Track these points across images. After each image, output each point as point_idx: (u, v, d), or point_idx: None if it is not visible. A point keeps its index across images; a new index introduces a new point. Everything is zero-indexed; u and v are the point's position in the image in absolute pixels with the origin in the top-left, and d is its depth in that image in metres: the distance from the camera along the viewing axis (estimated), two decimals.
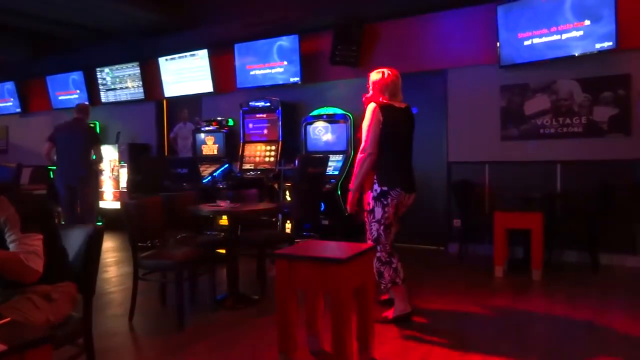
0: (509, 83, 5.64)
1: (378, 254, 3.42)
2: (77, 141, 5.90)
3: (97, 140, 6.08)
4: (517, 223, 4.73)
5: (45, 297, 2.06)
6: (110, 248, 6.40)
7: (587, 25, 5.01)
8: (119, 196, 7.97)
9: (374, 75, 3.54)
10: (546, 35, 5.25)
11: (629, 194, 5.01)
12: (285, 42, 6.78)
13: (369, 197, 3.43)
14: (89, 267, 2.25)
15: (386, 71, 3.52)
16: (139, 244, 3.73)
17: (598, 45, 4.97)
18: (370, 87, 3.55)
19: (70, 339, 2.18)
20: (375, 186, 3.39)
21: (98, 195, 6.06)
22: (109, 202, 8.28)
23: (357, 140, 5.94)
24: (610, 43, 4.89)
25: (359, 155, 3.37)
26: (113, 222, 7.52)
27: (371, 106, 3.42)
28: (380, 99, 3.47)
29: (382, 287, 3.49)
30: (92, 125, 6.13)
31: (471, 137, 5.85)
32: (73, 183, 5.87)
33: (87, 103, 6.56)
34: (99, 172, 5.92)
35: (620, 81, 5.07)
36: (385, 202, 3.39)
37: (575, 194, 5.23)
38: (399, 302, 3.47)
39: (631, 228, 5.03)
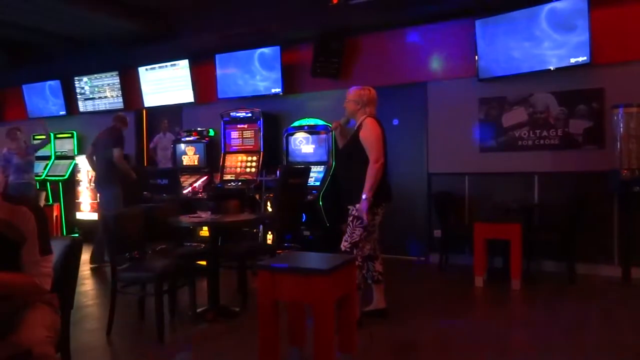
0: (487, 96, 5.74)
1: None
2: (103, 146, 5.94)
3: (114, 144, 5.91)
4: (497, 233, 4.79)
5: (50, 307, 2.06)
6: (87, 260, 6.27)
7: (562, 40, 5.14)
8: (97, 207, 7.83)
9: (361, 90, 3.69)
10: (523, 49, 5.37)
11: (603, 204, 5.13)
12: (267, 53, 6.80)
13: (364, 204, 3.46)
14: (67, 280, 2.20)
15: (368, 87, 3.72)
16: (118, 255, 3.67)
17: (573, 60, 5.10)
18: (354, 100, 3.65)
19: None
20: (371, 197, 3.46)
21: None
22: (86, 213, 8.15)
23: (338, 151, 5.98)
24: (585, 58, 5.02)
25: (376, 166, 3.43)
26: (90, 233, 7.38)
27: (370, 120, 3.57)
28: (364, 112, 3.63)
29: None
30: (118, 131, 6.04)
31: (451, 149, 5.93)
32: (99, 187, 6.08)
33: (123, 114, 6.54)
34: (119, 175, 5.97)
35: (594, 95, 5.20)
36: (376, 212, 3.55)
37: (552, 204, 5.32)
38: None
39: (606, 238, 5.14)
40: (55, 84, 8.88)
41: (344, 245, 3.55)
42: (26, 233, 1.94)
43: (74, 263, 2.24)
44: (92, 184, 7.95)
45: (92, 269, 5.89)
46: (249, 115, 6.78)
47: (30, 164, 6.68)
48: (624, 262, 4.94)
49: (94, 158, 6.05)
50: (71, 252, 2.21)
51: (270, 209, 5.93)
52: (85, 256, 6.42)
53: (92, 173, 7.96)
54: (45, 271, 1.98)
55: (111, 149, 5.80)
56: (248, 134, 6.87)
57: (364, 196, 3.41)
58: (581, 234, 5.05)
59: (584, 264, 5.13)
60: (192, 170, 7.16)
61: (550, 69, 5.25)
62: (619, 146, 4.84)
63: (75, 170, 8.31)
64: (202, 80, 7.47)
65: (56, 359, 1.96)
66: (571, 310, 4.00)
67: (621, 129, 4.82)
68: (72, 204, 8.22)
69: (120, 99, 8.27)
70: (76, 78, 8.65)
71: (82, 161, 8.22)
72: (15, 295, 1.98)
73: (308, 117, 6.55)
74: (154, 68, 7.81)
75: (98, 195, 6.31)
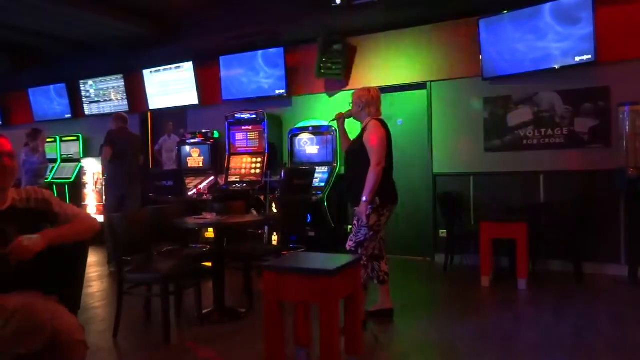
0: (491, 95, 5.72)
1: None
2: (131, 149, 6.02)
3: (142, 150, 6.31)
4: (502, 233, 4.77)
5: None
6: (93, 262, 6.30)
7: (567, 39, 5.12)
8: (103, 210, 7.85)
9: (360, 92, 3.70)
10: (527, 48, 5.35)
11: (609, 203, 5.10)
12: (271, 54, 6.80)
13: (363, 206, 3.47)
14: (74, 281, 2.21)
15: (371, 88, 3.71)
16: (123, 257, 3.67)
17: (578, 58, 5.08)
18: (355, 103, 3.67)
19: None
20: (377, 198, 3.47)
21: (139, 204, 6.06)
22: (92, 215, 8.17)
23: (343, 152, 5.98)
24: (590, 56, 5.01)
25: (376, 169, 3.43)
26: (96, 235, 7.40)
27: (374, 123, 3.56)
28: (367, 113, 3.63)
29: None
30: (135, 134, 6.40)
31: (455, 149, 5.91)
32: (122, 191, 5.90)
33: (122, 113, 6.57)
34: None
35: (599, 93, 5.17)
36: (382, 212, 3.54)
37: (558, 203, 5.30)
38: None
39: (613, 237, 5.11)
40: (60, 87, 8.92)
41: (349, 244, 3.58)
42: (46, 196, 2.20)
43: (80, 265, 2.25)
44: (100, 186, 7.97)
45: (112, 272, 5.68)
46: (254, 116, 6.79)
47: (45, 169, 6.81)
48: (630, 261, 4.91)
49: (113, 159, 5.88)
50: (78, 254, 2.22)
51: (275, 210, 5.93)
52: (90, 258, 6.45)
53: (97, 175, 8.02)
54: (80, 209, 2.30)
55: (140, 154, 6.15)
56: (252, 135, 6.88)
57: (363, 198, 3.44)
58: (587, 233, 5.03)
59: (591, 264, 5.11)
60: (197, 172, 7.17)
61: (555, 68, 5.23)
62: (625, 145, 4.82)
63: (81, 173, 8.35)
64: (207, 82, 7.49)
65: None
66: (578, 310, 3.98)
67: (627, 127, 4.79)
68: (78, 207, 8.24)
69: (126, 102, 8.30)
70: (81, 81, 8.69)
71: (87, 164, 8.27)
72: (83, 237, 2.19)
73: (312, 118, 6.55)
74: (158, 70, 7.84)
75: (117, 196, 5.89)
